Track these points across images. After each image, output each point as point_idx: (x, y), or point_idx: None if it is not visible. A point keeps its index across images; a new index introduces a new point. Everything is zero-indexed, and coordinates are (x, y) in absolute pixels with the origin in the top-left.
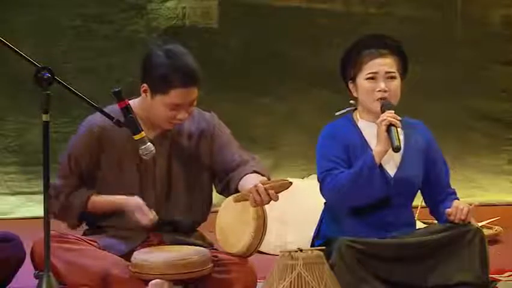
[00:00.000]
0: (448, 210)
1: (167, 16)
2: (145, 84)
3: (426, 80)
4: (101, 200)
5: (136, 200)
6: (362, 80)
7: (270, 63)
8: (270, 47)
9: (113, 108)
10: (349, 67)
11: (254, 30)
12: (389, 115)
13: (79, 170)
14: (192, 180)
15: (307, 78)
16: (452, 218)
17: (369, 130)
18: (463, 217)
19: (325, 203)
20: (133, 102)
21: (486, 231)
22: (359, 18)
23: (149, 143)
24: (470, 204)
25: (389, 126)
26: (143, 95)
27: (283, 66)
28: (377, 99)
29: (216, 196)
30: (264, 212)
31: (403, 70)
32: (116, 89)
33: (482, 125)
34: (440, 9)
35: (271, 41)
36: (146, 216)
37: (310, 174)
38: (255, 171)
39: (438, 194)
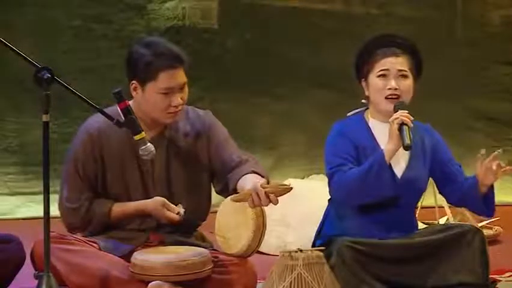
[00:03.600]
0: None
1: (167, 16)
2: (133, 81)
3: (426, 80)
4: (122, 210)
5: (155, 202)
6: (373, 77)
7: (269, 63)
8: (270, 47)
9: (113, 110)
10: (362, 66)
11: (254, 30)
12: (402, 114)
13: (88, 177)
14: (191, 181)
15: (307, 78)
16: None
17: (380, 129)
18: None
19: (329, 200)
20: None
21: (486, 231)
22: (359, 19)
23: (149, 144)
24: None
25: (401, 125)
26: (134, 93)
27: (283, 66)
28: (387, 97)
29: (215, 196)
30: (263, 212)
31: (417, 70)
32: (116, 90)
33: (483, 125)
34: (440, 9)
35: (271, 41)
36: (173, 212)
37: (311, 175)
38: (253, 171)
39: (458, 188)
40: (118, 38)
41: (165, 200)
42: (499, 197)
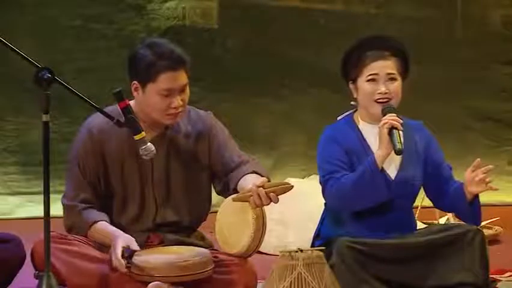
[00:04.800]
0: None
1: (167, 16)
2: (134, 82)
3: (426, 80)
4: (99, 232)
5: (123, 237)
6: (362, 81)
7: (270, 63)
8: (270, 47)
9: (113, 109)
10: (350, 68)
11: (254, 30)
12: (391, 118)
13: (90, 175)
14: (191, 181)
15: (307, 78)
16: (477, 177)
17: (370, 132)
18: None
19: (325, 204)
20: (131, 104)
21: (486, 231)
22: (358, 18)
23: (149, 143)
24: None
25: (391, 129)
26: (135, 94)
27: (283, 66)
28: (377, 102)
29: (215, 196)
30: (263, 212)
31: (404, 71)
32: (117, 90)
33: (482, 125)
34: (440, 9)
35: (271, 41)
36: (119, 259)
37: (311, 175)
38: (254, 172)
39: (445, 193)
40: (118, 38)
41: (132, 241)
42: (499, 197)
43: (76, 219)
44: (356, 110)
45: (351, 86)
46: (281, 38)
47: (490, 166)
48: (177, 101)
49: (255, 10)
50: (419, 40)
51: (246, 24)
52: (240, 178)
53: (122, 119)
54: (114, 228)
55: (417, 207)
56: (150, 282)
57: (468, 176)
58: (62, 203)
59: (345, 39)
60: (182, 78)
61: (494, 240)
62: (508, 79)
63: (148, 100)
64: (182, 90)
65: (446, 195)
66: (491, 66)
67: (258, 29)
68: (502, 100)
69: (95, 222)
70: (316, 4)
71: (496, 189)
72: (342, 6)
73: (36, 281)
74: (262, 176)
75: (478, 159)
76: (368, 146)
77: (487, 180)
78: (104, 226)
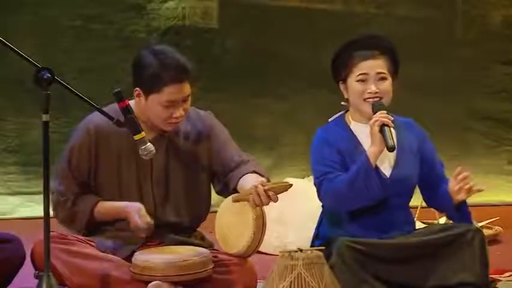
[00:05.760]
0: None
1: (167, 16)
2: (137, 88)
3: (426, 80)
4: (106, 207)
5: (132, 205)
6: (352, 81)
7: (269, 63)
8: (270, 47)
9: (113, 108)
10: (340, 68)
11: (254, 30)
12: (381, 115)
13: (80, 173)
14: (190, 181)
15: (307, 78)
16: (456, 187)
17: (362, 131)
18: (467, 179)
19: (323, 205)
20: (131, 104)
21: (486, 231)
22: (358, 18)
23: (149, 143)
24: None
25: (382, 126)
26: (136, 99)
27: (283, 66)
28: (367, 101)
29: (215, 196)
30: (263, 212)
31: (394, 70)
32: (117, 90)
33: (482, 125)
34: (440, 9)
35: (271, 41)
36: (143, 219)
37: (310, 175)
38: (254, 172)
39: (437, 193)
40: (118, 38)
41: (142, 207)
42: (499, 197)
43: (71, 211)
44: (347, 110)
45: (341, 86)
46: (281, 38)
47: (466, 173)
48: (179, 111)
49: (255, 10)
50: (419, 40)
51: (246, 24)
52: (240, 178)
53: (122, 119)
54: (113, 202)
55: (417, 207)
56: (150, 282)
57: (451, 185)
58: (54, 198)
59: (345, 39)
60: (185, 89)
61: (494, 240)
62: (508, 79)
63: (150, 109)
64: (184, 101)
65: (438, 195)
66: (491, 66)
67: (258, 29)
68: (502, 100)
69: (96, 203)
70: (316, 4)
71: (482, 190)
72: (342, 6)
73: (36, 281)
74: (262, 176)
75: (459, 167)
76: (360, 144)
77: (467, 187)
78: (105, 203)
